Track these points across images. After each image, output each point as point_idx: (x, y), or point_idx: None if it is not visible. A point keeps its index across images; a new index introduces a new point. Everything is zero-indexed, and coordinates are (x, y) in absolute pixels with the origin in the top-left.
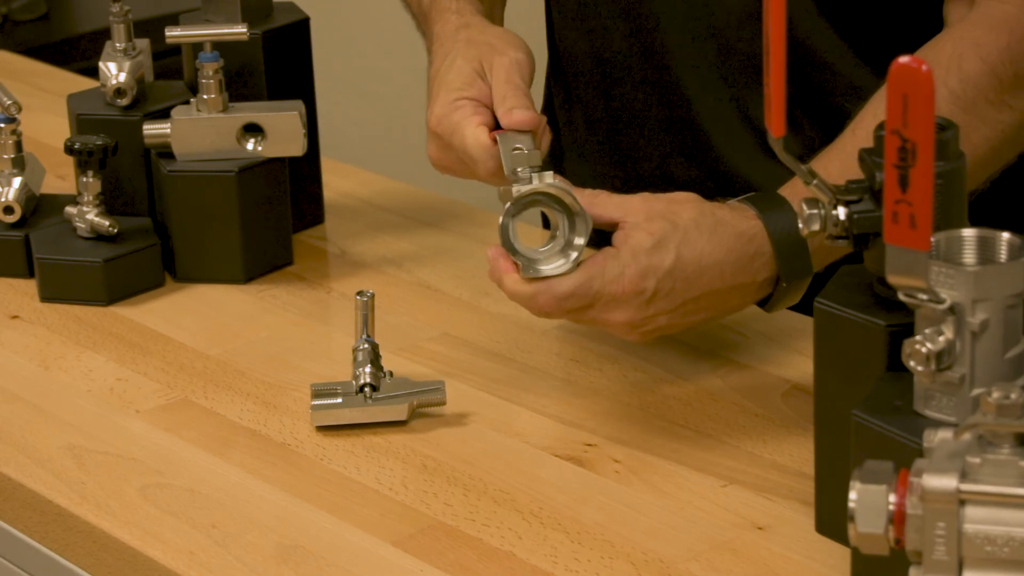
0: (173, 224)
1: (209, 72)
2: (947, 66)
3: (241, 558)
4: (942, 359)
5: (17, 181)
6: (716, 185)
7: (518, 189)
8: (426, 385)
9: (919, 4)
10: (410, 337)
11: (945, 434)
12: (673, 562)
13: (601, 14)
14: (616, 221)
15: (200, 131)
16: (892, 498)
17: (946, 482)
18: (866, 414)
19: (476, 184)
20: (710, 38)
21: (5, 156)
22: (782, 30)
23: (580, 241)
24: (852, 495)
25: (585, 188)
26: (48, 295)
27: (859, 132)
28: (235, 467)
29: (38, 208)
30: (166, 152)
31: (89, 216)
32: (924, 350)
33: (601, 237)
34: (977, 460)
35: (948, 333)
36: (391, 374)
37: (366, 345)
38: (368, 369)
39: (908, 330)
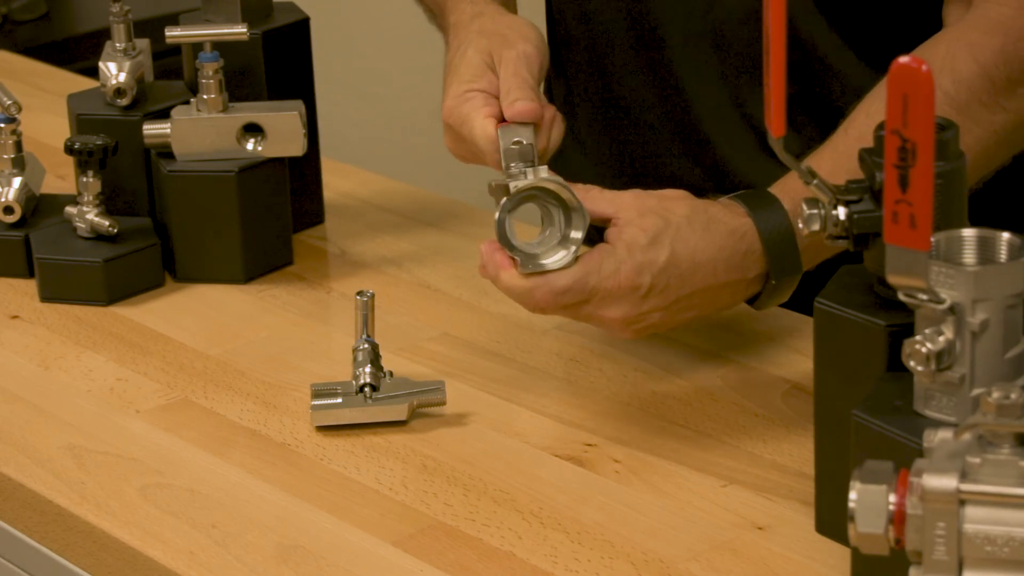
0: (173, 224)
1: (209, 72)
2: (940, 67)
3: (241, 558)
4: (942, 359)
5: (17, 181)
6: (716, 184)
7: (515, 184)
8: (426, 385)
9: (919, 4)
10: (410, 337)
11: (945, 434)
12: (673, 562)
13: (602, 13)
14: (608, 217)
15: (200, 131)
16: (892, 498)
17: (946, 482)
18: (866, 414)
19: (476, 184)
20: (710, 38)
21: (5, 156)
22: (782, 30)
23: (577, 235)
24: (852, 495)
25: (578, 183)
26: (48, 295)
27: (851, 131)
28: (235, 467)
29: (38, 208)
30: (166, 152)
31: (89, 216)
32: (924, 350)
33: (590, 232)
34: (977, 460)
35: (948, 333)
36: (391, 374)
37: (366, 345)
38: (368, 369)
39: (908, 330)
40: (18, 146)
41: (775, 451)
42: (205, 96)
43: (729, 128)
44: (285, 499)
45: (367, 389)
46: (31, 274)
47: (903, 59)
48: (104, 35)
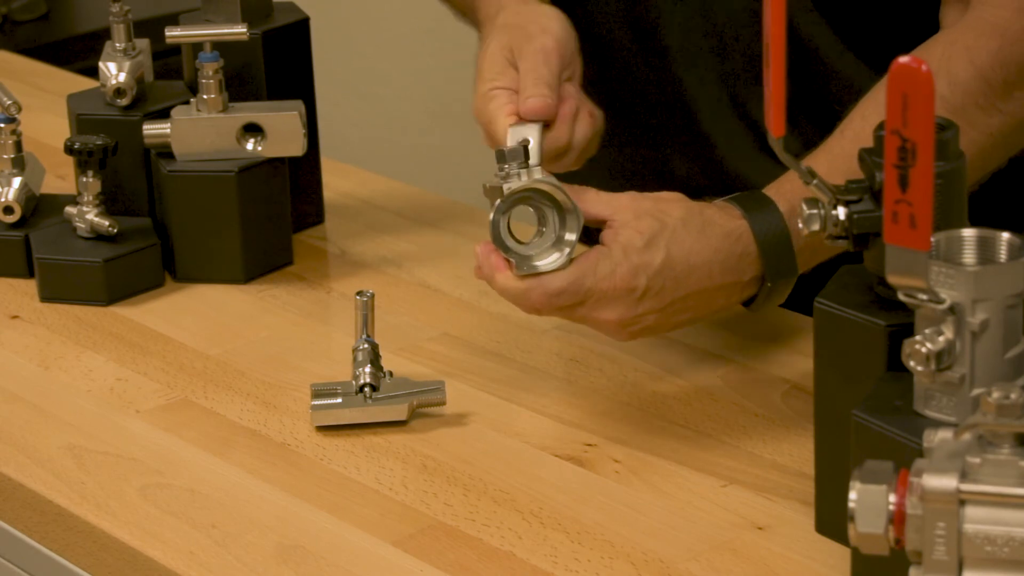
0: (173, 224)
1: (209, 72)
2: (936, 70)
3: (241, 558)
4: (942, 359)
5: (17, 181)
6: (715, 184)
7: (508, 186)
8: (426, 385)
9: (918, 4)
10: (410, 337)
11: (945, 434)
12: (673, 562)
13: (602, 14)
14: (604, 218)
15: (200, 131)
16: (892, 498)
17: (946, 482)
18: (866, 414)
19: (476, 184)
20: (710, 38)
21: (5, 156)
22: (782, 30)
23: (572, 237)
24: (852, 495)
25: (573, 184)
26: (48, 295)
27: (847, 134)
28: (235, 467)
29: (38, 208)
30: (166, 152)
31: (89, 216)
32: (924, 350)
33: (586, 234)
34: (977, 460)
35: (948, 333)
36: (391, 374)
37: (366, 345)
38: (368, 369)
39: (908, 330)
40: (18, 146)
41: (775, 451)
42: (205, 96)
43: (729, 128)
44: (285, 499)
45: (367, 389)
46: (31, 274)
47: (903, 59)
48: (104, 35)
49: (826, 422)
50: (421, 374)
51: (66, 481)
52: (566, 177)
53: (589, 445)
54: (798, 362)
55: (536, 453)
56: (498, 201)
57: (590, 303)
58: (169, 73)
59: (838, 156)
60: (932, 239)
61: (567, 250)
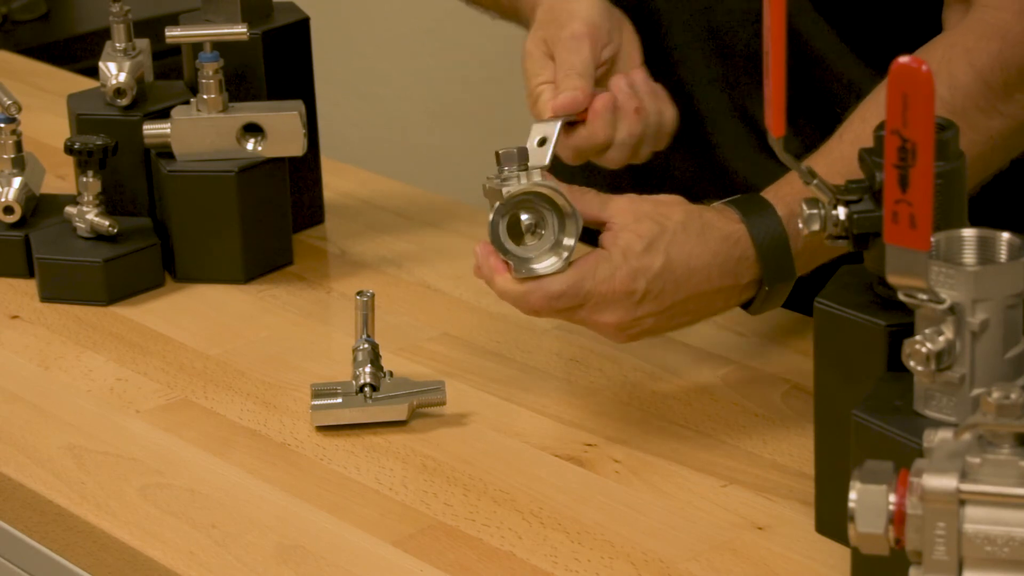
0: (173, 224)
1: (209, 72)
2: (936, 71)
3: (241, 558)
4: (942, 359)
5: (17, 181)
6: (716, 185)
7: (507, 189)
8: (426, 385)
9: (918, 5)
10: (410, 337)
11: (945, 434)
12: (673, 562)
13: None
14: (603, 221)
15: (200, 131)
16: (892, 498)
17: (946, 482)
18: (866, 414)
19: (476, 184)
20: (710, 38)
21: (5, 156)
22: (782, 30)
23: (570, 242)
24: (852, 495)
25: (573, 186)
26: (48, 295)
27: (846, 136)
28: (235, 467)
29: (38, 208)
30: (166, 152)
31: (89, 216)
32: (924, 350)
33: (585, 235)
34: (977, 460)
35: (948, 333)
36: (391, 374)
37: (366, 345)
38: (368, 369)
39: (908, 330)
40: (18, 146)
41: (775, 451)
42: (205, 96)
43: (730, 129)
44: (285, 499)
45: (367, 389)
46: (31, 274)
47: (903, 59)
48: (104, 35)
49: (826, 422)
50: (421, 374)
51: (66, 481)
52: (567, 177)
53: (589, 445)
54: (798, 362)
55: (536, 453)
56: (497, 204)
57: (589, 306)
58: (169, 73)
59: (837, 159)
60: (932, 239)
61: (565, 254)
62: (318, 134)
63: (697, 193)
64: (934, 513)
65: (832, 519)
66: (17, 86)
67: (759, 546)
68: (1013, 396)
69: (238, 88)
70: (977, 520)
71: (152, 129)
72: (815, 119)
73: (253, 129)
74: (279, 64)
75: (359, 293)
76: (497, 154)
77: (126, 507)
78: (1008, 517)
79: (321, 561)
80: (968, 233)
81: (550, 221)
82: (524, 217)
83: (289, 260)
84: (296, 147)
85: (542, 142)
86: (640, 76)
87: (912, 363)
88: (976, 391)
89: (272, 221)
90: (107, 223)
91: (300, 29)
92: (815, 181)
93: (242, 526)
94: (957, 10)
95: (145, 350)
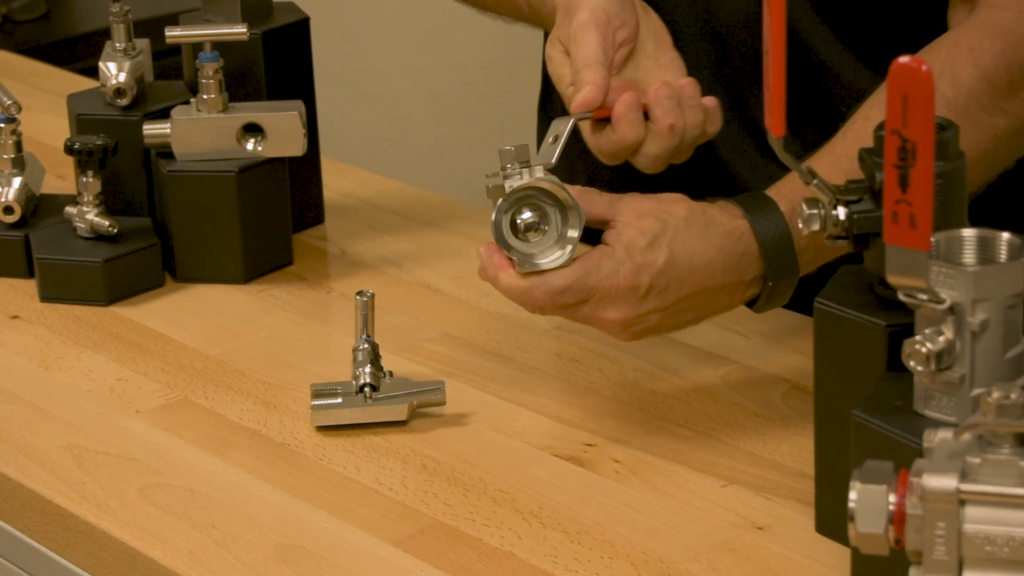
0: (173, 224)
1: (209, 72)
2: (940, 71)
3: (241, 558)
4: (942, 359)
5: (17, 181)
6: (717, 186)
7: (510, 184)
8: (426, 385)
9: (918, 7)
10: (410, 337)
11: (945, 434)
12: (673, 562)
13: None
14: (606, 219)
15: (200, 131)
16: (892, 498)
17: (946, 482)
18: (866, 414)
19: (476, 184)
20: (710, 40)
21: (5, 156)
22: (782, 30)
23: (574, 234)
24: (852, 495)
25: (575, 185)
26: (48, 295)
27: (849, 135)
28: (235, 467)
29: (38, 208)
30: (166, 152)
31: (89, 216)
32: (924, 350)
33: (588, 235)
34: (977, 460)
35: (948, 333)
36: (391, 374)
37: (366, 345)
38: (368, 369)
39: (908, 330)
40: (18, 146)
41: (775, 451)
42: (205, 96)
43: (730, 131)
44: (285, 499)
45: (367, 389)
46: (31, 274)
47: (903, 59)
48: (104, 35)
49: (826, 422)
50: (421, 374)
51: (66, 481)
52: (567, 178)
53: (589, 445)
54: (798, 362)
55: (536, 453)
56: (500, 200)
57: (593, 302)
58: (169, 73)
59: (840, 156)
60: (932, 239)
61: (569, 248)
62: (318, 134)
63: (698, 194)
64: (934, 513)
65: (832, 519)
66: (17, 86)
67: (759, 546)
68: (1013, 396)
69: (238, 88)
70: (977, 520)
71: (152, 129)
72: (817, 122)
73: (253, 129)
74: (279, 64)
75: (359, 293)
76: (499, 151)
77: (126, 507)
78: (1008, 517)
79: (321, 561)
80: (968, 233)
81: (553, 217)
82: (526, 215)
83: (289, 260)
84: (296, 147)
85: (555, 140)
86: (690, 89)
87: (912, 363)
88: (976, 391)
89: (272, 221)
90: (107, 223)
91: (300, 29)
92: (815, 181)
93: (242, 526)
94: (962, 9)
95: (145, 350)
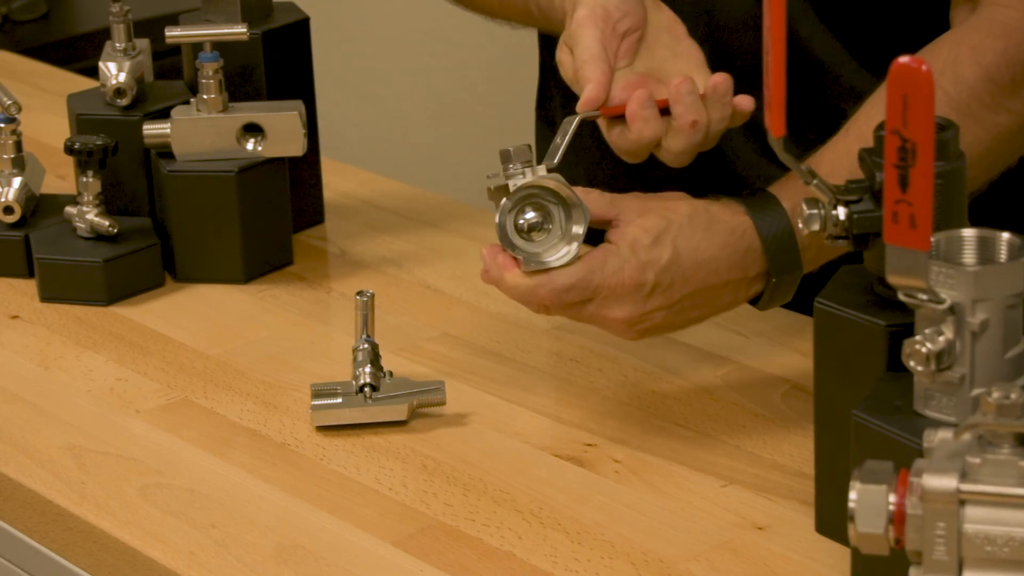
0: (173, 224)
1: (209, 72)
2: (942, 69)
3: (241, 558)
4: (942, 359)
5: (17, 181)
6: (716, 185)
7: (514, 183)
8: (426, 385)
9: (918, 9)
10: (410, 337)
11: (945, 434)
12: (673, 562)
13: None
14: (609, 219)
15: (200, 131)
16: (892, 498)
17: (946, 482)
18: (866, 414)
19: (476, 184)
20: (711, 40)
21: (5, 156)
22: (782, 30)
23: (579, 231)
24: (852, 495)
25: (577, 186)
26: (48, 295)
27: (852, 132)
28: (235, 467)
29: (38, 208)
30: (166, 152)
31: (89, 216)
32: (924, 350)
33: (590, 235)
34: (977, 460)
35: (948, 333)
36: (391, 374)
37: (366, 345)
38: (368, 369)
39: (908, 330)
40: (18, 146)
41: (775, 451)
42: (205, 96)
43: (731, 134)
44: (285, 499)
45: (367, 389)
46: (31, 274)
47: (903, 59)
48: (104, 35)
49: (826, 422)
50: (421, 374)
51: (66, 481)
52: (568, 179)
53: (589, 445)
54: (798, 362)
55: (536, 453)
56: (504, 200)
57: (598, 300)
58: (169, 73)
59: (842, 154)
60: (932, 239)
61: (575, 244)
62: (318, 134)
63: (698, 194)
64: (934, 513)
65: (832, 519)
66: (17, 86)
67: (759, 546)
68: (1013, 396)
69: (238, 88)
70: (977, 520)
71: (152, 129)
72: (816, 123)
73: (253, 129)
74: (279, 64)
75: (359, 293)
76: (501, 152)
77: (126, 507)
78: (1008, 517)
79: (321, 561)
80: (968, 233)
81: (556, 216)
82: (529, 215)
83: (289, 260)
84: (296, 147)
85: (562, 139)
86: (723, 87)
87: (912, 363)
88: (976, 391)
89: (272, 221)
90: (107, 223)
91: (300, 29)
92: (815, 181)
93: (242, 526)
94: (963, 8)
95: (145, 350)
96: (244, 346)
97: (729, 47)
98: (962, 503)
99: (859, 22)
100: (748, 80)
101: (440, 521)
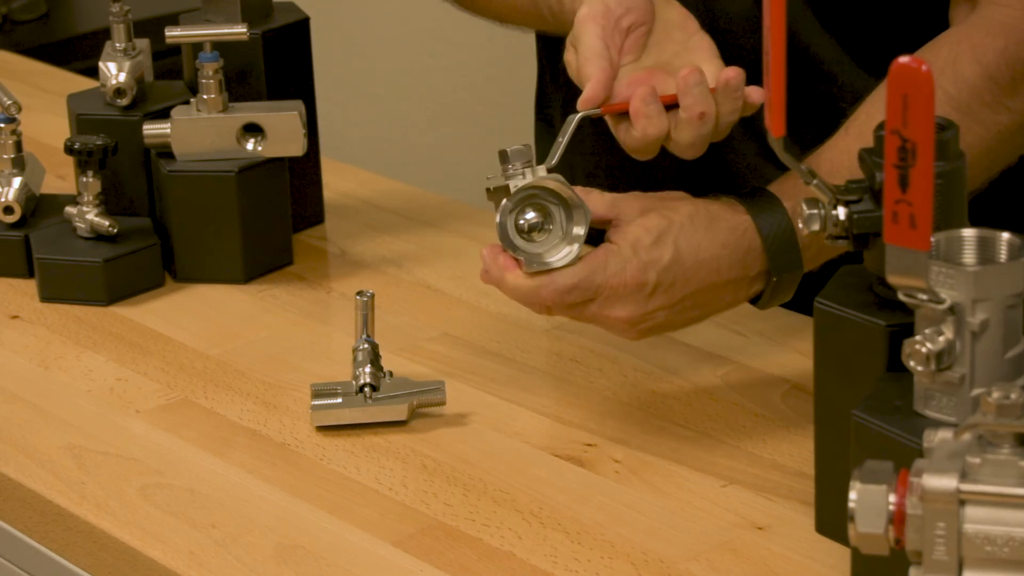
0: (173, 224)
1: (209, 72)
2: (942, 68)
3: (241, 558)
4: (942, 359)
5: (17, 181)
6: (716, 186)
7: (514, 184)
8: (426, 385)
9: (917, 12)
10: (410, 337)
11: (945, 434)
12: (673, 562)
13: None
14: (609, 219)
15: (200, 131)
16: (892, 498)
17: (946, 482)
18: (866, 414)
19: (476, 184)
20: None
21: (5, 156)
22: (782, 30)
23: (580, 231)
24: (852, 495)
25: (577, 186)
26: (48, 295)
27: (852, 132)
28: (235, 467)
29: (38, 208)
30: (166, 152)
31: (89, 216)
32: (924, 350)
33: (590, 235)
34: (977, 460)
35: (948, 333)
36: (391, 374)
37: (366, 345)
38: (368, 369)
39: (908, 330)
40: (18, 146)
41: (775, 451)
42: (205, 96)
43: (731, 136)
44: (285, 499)
45: (367, 389)
46: (31, 274)
47: (903, 59)
48: (104, 35)
49: (826, 422)
50: (421, 374)
51: (66, 481)
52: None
53: (589, 445)
54: (798, 362)
55: (536, 453)
56: (504, 201)
57: (600, 300)
58: (169, 73)
59: (843, 152)
60: (932, 239)
61: (576, 245)
62: (318, 134)
63: (698, 194)
64: (934, 513)
65: (832, 519)
66: (17, 86)
67: (759, 546)
68: (1013, 396)
69: (238, 88)
70: (977, 520)
71: (152, 129)
72: (815, 124)
73: (253, 129)
74: (279, 64)
75: (359, 293)
76: (501, 152)
77: (126, 507)
78: (1008, 517)
79: (321, 561)
80: (968, 233)
81: (557, 216)
82: (530, 215)
83: (289, 260)
84: (296, 147)
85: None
86: (736, 81)
87: (912, 363)
88: (976, 391)
89: (272, 221)
90: (107, 223)
91: (300, 29)
92: (815, 181)
93: (242, 526)
94: (963, 7)
95: (145, 350)
96: (244, 346)
97: (729, 48)
98: (962, 503)
99: (858, 23)
100: (748, 80)
101: (440, 521)
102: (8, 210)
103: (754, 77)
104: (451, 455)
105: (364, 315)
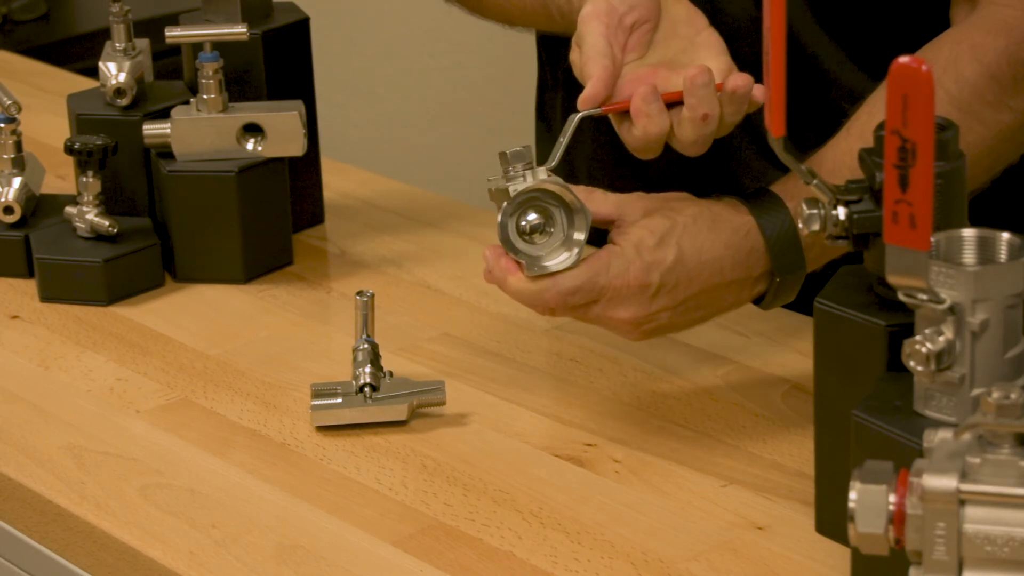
0: (173, 224)
1: (209, 72)
2: (944, 68)
3: (241, 558)
4: (942, 359)
5: (17, 181)
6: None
7: (515, 187)
8: (426, 385)
9: (917, 13)
10: (410, 337)
11: (945, 434)
12: (673, 562)
13: None
14: (612, 219)
15: (200, 131)
16: (892, 498)
17: (946, 482)
18: (866, 414)
19: (476, 184)
20: None
21: (5, 156)
22: (782, 31)
23: (580, 236)
24: (852, 495)
25: (579, 186)
26: (48, 295)
27: (853, 132)
28: (235, 467)
29: (38, 208)
30: (166, 152)
31: (89, 216)
32: (924, 350)
33: (593, 235)
34: (977, 460)
35: (948, 333)
36: (391, 374)
37: (366, 345)
38: (368, 369)
39: (908, 330)
40: (18, 146)
41: (775, 451)
42: (205, 96)
43: (732, 137)
44: (285, 499)
45: (367, 389)
46: (31, 274)
47: (903, 59)
48: (104, 35)
49: (826, 422)
50: (421, 374)
51: (66, 481)
52: (568, 179)
53: (589, 445)
54: (798, 362)
55: (536, 453)
56: (505, 203)
57: (604, 301)
58: (169, 73)
59: (844, 152)
60: (932, 239)
61: (576, 250)
62: (318, 134)
63: (699, 194)
64: (934, 513)
65: (832, 519)
66: (17, 86)
67: (759, 546)
68: (1013, 396)
69: (238, 88)
70: (977, 520)
71: (152, 129)
72: (817, 127)
73: (253, 129)
74: (279, 64)
75: (359, 293)
76: (501, 154)
77: (126, 507)
78: (1008, 517)
79: (321, 561)
80: (968, 233)
81: (558, 219)
82: (531, 217)
83: (289, 260)
84: (296, 147)
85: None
86: (743, 89)
87: (912, 363)
88: (976, 391)
89: (272, 221)
90: (107, 223)
91: (300, 29)
92: (815, 181)
93: (242, 526)
94: (963, 7)
95: (145, 350)
96: (244, 346)
97: (729, 48)
98: (962, 503)
99: (857, 24)
100: None
101: (440, 521)
102: (8, 210)
103: (754, 77)
104: (451, 455)
105: (364, 315)
